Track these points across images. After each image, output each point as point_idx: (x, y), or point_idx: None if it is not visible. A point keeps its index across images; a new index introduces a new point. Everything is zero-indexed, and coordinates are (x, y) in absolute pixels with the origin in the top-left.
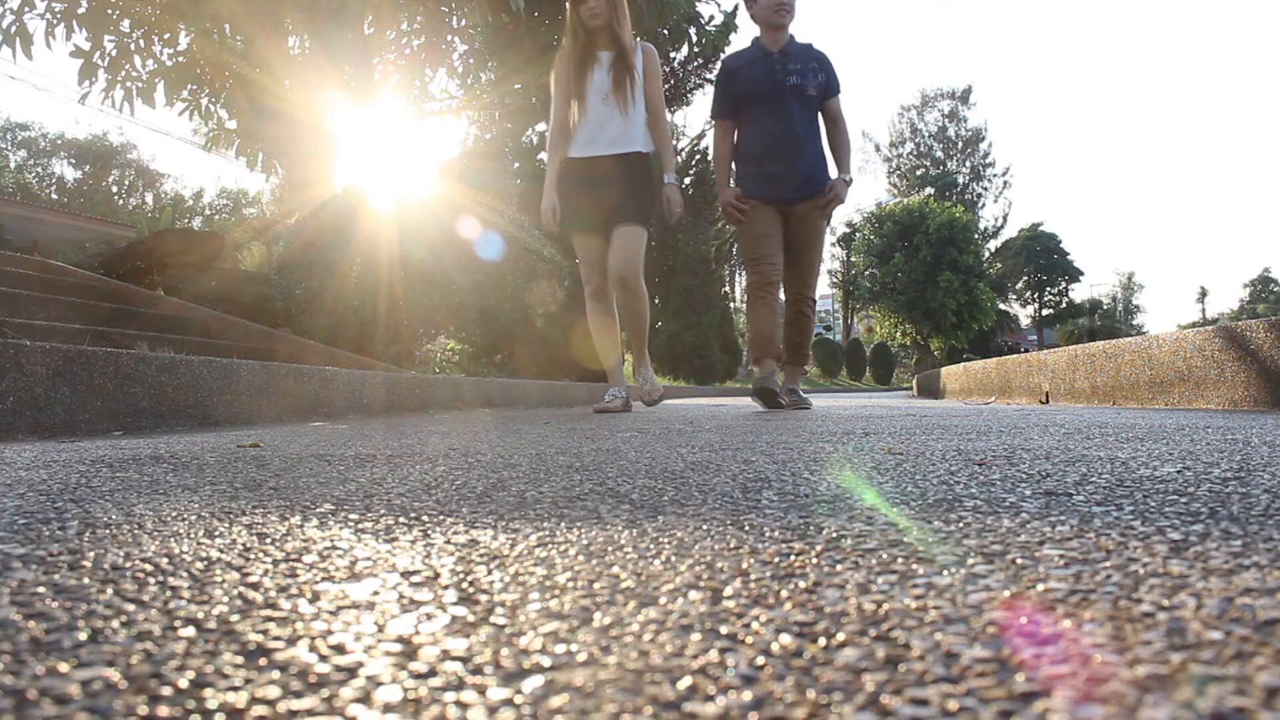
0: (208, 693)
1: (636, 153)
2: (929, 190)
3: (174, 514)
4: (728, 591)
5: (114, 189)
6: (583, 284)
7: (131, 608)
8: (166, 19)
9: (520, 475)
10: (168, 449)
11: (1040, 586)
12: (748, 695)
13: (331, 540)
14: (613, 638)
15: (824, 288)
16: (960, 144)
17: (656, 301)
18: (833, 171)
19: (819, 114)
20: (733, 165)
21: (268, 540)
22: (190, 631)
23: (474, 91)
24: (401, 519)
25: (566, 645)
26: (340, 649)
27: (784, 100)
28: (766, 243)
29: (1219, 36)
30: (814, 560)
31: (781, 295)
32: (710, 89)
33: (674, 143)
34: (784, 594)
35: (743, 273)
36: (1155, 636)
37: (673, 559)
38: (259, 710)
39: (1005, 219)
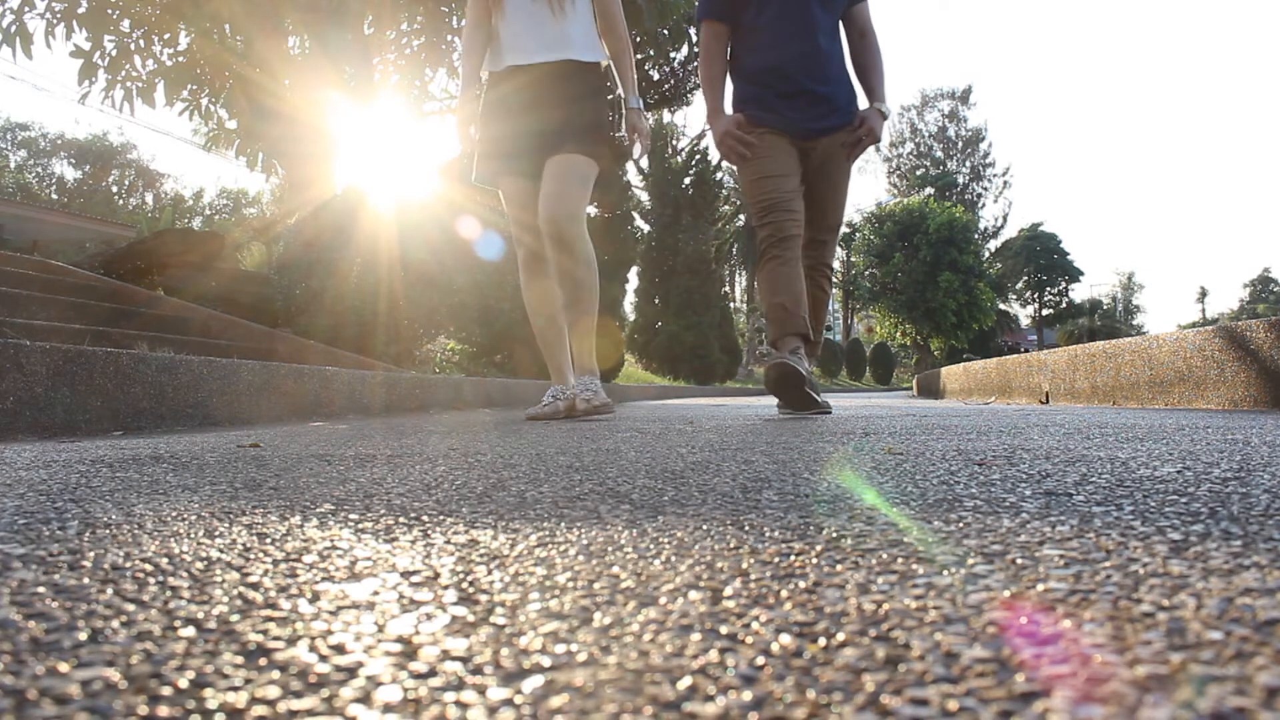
0: (208, 693)
1: (579, 62)
2: (929, 190)
3: (174, 514)
4: (728, 591)
5: (114, 189)
6: (517, 251)
7: (131, 608)
8: (166, 19)
9: (520, 475)
10: (168, 449)
11: (1040, 586)
12: (748, 695)
13: (331, 540)
14: (613, 638)
15: None
16: (960, 144)
17: (656, 301)
18: (863, 101)
19: (841, 24)
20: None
21: (268, 540)
22: (190, 631)
23: None
24: (401, 519)
25: (566, 645)
26: (340, 649)
27: (800, 0)
28: (782, 184)
29: (1219, 36)
30: (814, 560)
31: None
32: None
33: (678, 137)
34: (784, 594)
35: (742, 272)
36: (1155, 636)
37: (673, 559)
38: (259, 710)
39: (1005, 219)
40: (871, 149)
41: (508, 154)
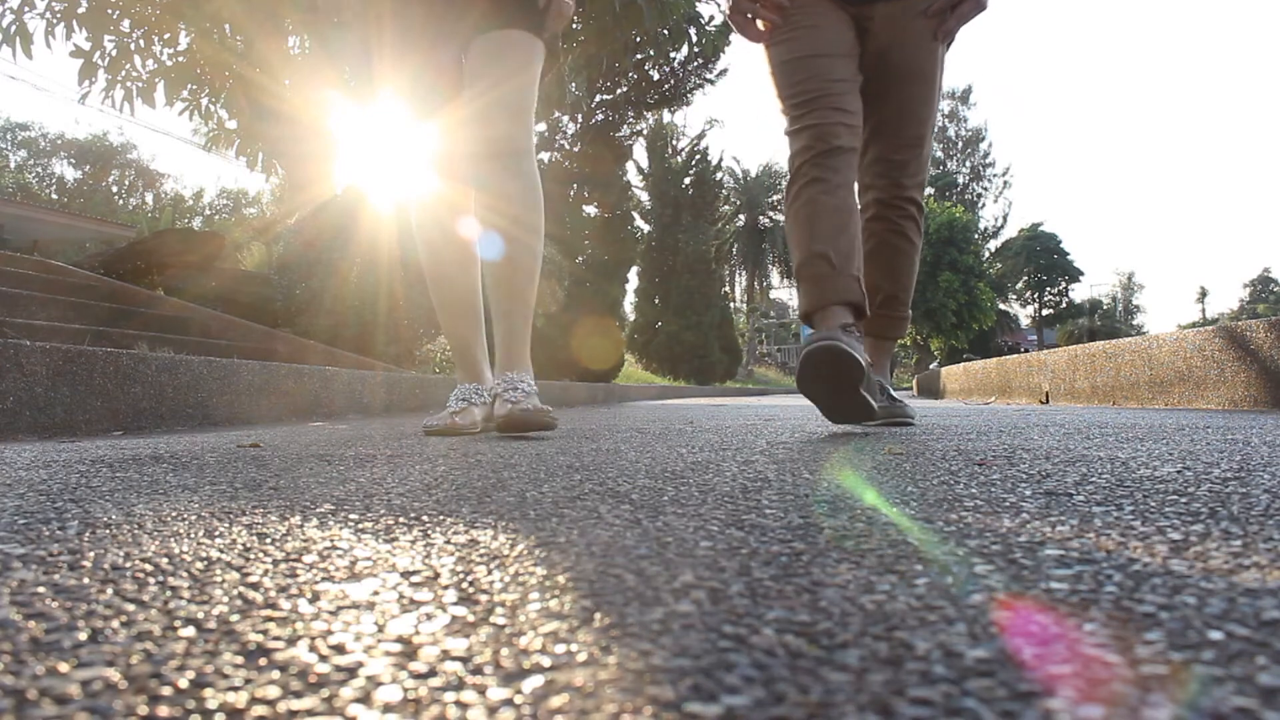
0: (208, 693)
1: None
2: (929, 190)
3: (174, 514)
4: (729, 591)
5: (114, 189)
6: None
7: (131, 608)
8: (166, 19)
9: (520, 475)
10: (168, 449)
11: (1041, 586)
12: (748, 695)
13: (331, 540)
14: (613, 638)
15: None
16: (960, 144)
17: (656, 301)
18: None
19: None
20: None
21: (268, 540)
22: (190, 631)
23: None
24: (401, 519)
25: (566, 645)
26: (340, 649)
27: None
28: (829, 67)
29: (1219, 36)
30: (815, 560)
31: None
32: (710, 89)
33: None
34: (784, 594)
35: (742, 272)
36: (1156, 636)
37: (673, 559)
38: (259, 710)
39: (1005, 219)
40: None
41: (412, 21)
